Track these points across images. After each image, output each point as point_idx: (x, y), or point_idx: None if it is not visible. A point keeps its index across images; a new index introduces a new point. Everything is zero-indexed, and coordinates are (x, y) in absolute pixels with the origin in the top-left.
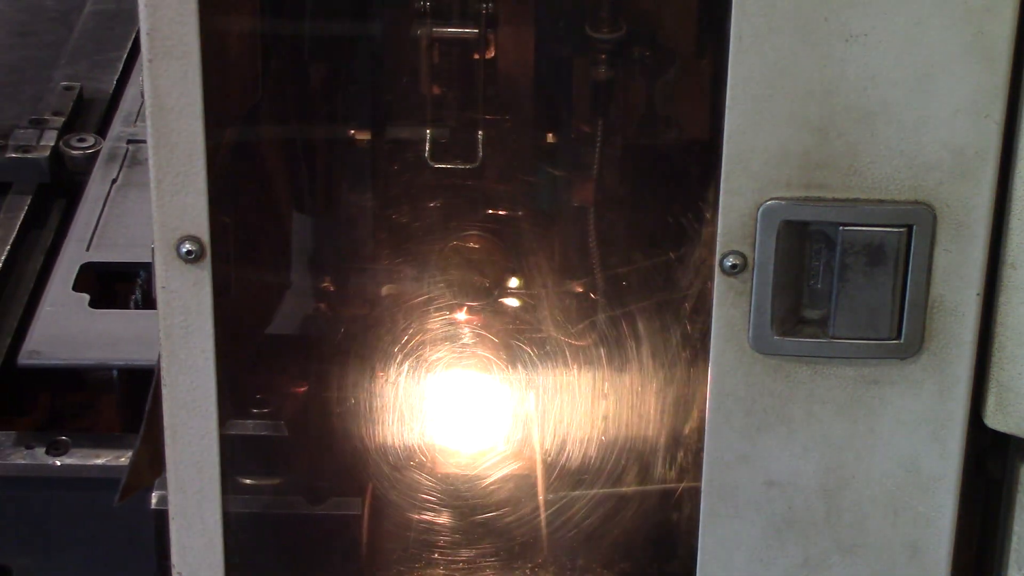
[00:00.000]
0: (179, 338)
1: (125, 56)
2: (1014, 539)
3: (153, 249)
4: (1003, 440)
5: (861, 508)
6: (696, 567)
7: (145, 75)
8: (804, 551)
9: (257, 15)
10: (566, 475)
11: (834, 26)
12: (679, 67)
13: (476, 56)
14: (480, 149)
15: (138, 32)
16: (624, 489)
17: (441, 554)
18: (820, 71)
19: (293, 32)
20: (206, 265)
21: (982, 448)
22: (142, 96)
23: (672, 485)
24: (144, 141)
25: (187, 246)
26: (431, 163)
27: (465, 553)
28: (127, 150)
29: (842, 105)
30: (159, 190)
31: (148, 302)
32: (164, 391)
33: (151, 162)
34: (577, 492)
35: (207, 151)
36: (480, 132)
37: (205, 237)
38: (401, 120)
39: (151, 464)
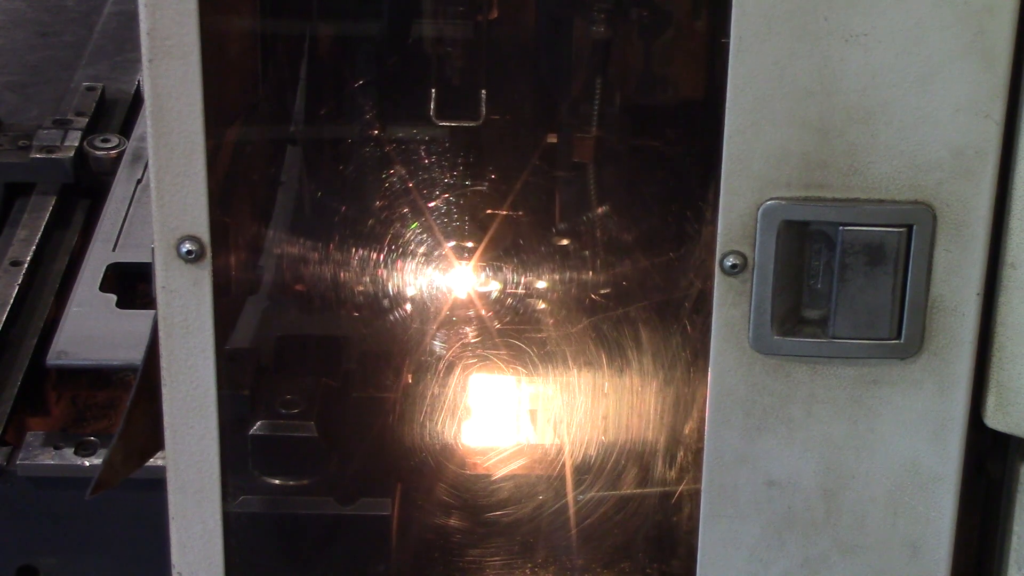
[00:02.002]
0: (179, 338)
1: None
2: (1014, 539)
3: (153, 249)
4: (1003, 440)
5: (861, 508)
6: (696, 567)
7: (145, 75)
8: (804, 551)
9: (257, 15)
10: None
11: (834, 26)
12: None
13: (479, 18)
14: (483, 108)
15: None
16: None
17: (454, 555)
18: (820, 71)
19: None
20: (206, 265)
21: (982, 448)
22: None
23: (670, 486)
24: None
25: (187, 246)
26: (435, 121)
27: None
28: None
29: (842, 105)
30: (159, 190)
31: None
32: (164, 391)
33: (151, 162)
34: (576, 493)
35: (207, 151)
36: (483, 91)
37: (205, 237)
38: (405, 116)
39: (125, 461)
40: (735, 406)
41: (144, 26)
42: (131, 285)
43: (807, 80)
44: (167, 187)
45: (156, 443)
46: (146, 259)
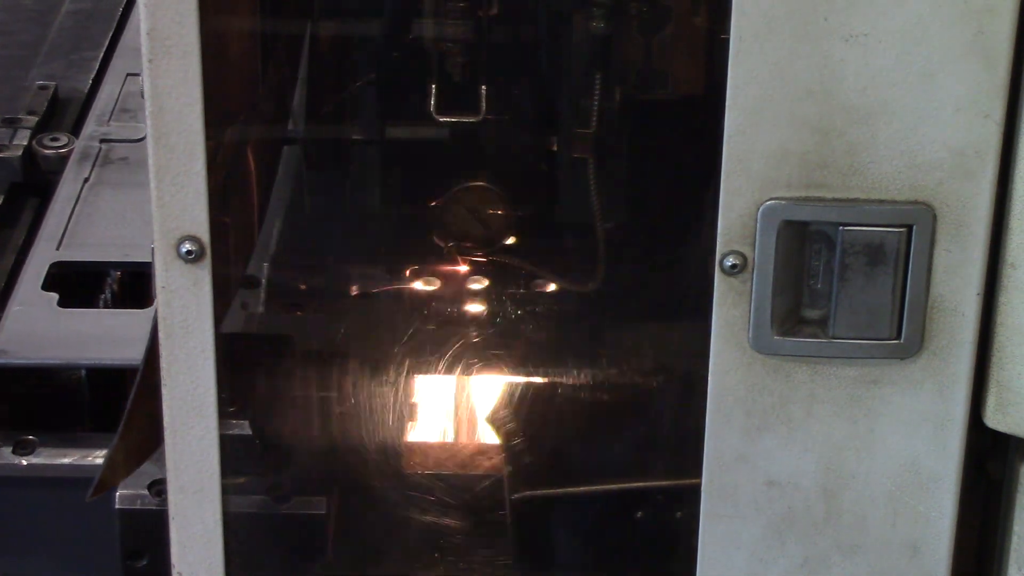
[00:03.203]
0: (179, 338)
1: (101, 55)
2: (1014, 539)
3: (153, 249)
4: (1003, 440)
5: (861, 508)
6: (696, 567)
7: (145, 75)
8: (804, 551)
9: (257, 15)
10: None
11: (834, 26)
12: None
13: (480, 13)
14: (483, 103)
15: (115, 31)
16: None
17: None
18: (820, 71)
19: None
20: (206, 265)
21: (982, 448)
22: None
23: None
24: (117, 140)
25: (187, 246)
26: (436, 116)
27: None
28: (100, 149)
29: (842, 105)
30: (159, 190)
31: (117, 301)
32: (164, 391)
33: (151, 162)
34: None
35: (207, 151)
36: (483, 87)
37: (205, 237)
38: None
39: (126, 461)
40: (735, 406)
41: (144, 26)
42: (75, 284)
43: (807, 80)
44: (167, 187)
45: (155, 441)
46: (90, 258)
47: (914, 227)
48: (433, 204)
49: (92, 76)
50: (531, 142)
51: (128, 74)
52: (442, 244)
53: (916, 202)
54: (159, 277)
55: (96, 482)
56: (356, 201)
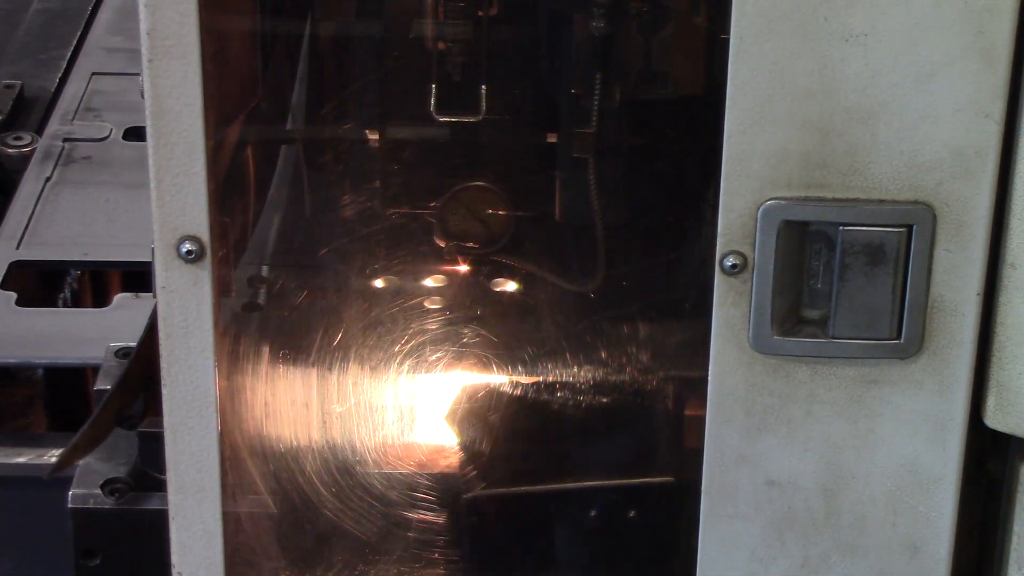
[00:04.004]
0: (179, 338)
1: (69, 54)
2: (1014, 539)
3: (153, 249)
4: (1003, 440)
5: (861, 508)
6: (696, 567)
7: (145, 75)
8: (804, 551)
9: (257, 15)
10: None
11: (834, 26)
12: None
13: (480, 13)
14: (483, 103)
15: (83, 31)
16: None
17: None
18: (820, 71)
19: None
20: (206, 265)
21: (982, 448)
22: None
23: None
24: (80, 140)
25: (187, 246)
26: (436, 116)
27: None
28: (63, 148)
29: (842, 105)
30: (159, 190)
31: (77, 301)
32: (164, 391)
33: (151, 162)
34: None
35: (207, 151)
36: (483, 87)
37: (205, 237)
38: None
39: (87, 446)
40: (735, 406)
41: (144, 26)
42: (36, 283)
43: (807, 80)
44: (167, 187)
45: (108, 432)
46: (49, 257)
47: (914, 227)
48: (433, 203)
49: (59, 75)
50: (531, 142)
51: (93, 73)
52: (442, 244)
53: (916, 202)
54: (159, 277)
55: (58, 461)
56: (355, 201)
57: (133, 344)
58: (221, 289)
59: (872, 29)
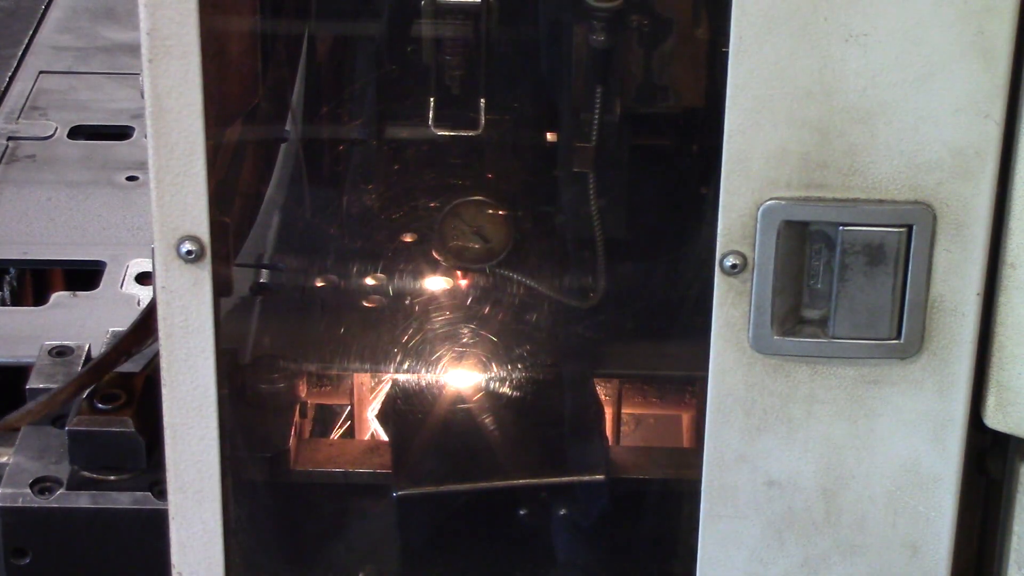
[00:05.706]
0: (179, 338)
1: (20, 53)
2: (1014, 539)
3: (153, 249)
4: (1003, 440)
5: (861, 508)
6: (696, 567)
7: (145, 75)
8: (804, 551)
9: (257, 15)
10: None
11: (834, 26)
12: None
13: (479, 26)
14: (482, 117)
15: (33, 30)
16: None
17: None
18: (820, 71)
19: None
20: (206, 265)
21: (982, 448)
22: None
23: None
24: (25, 138)
25: (187, 246)
26: (434, 130)
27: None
28: (6, 147)
29: (842, 105)
30: (159, 190)
31: (17, 299)
32: (164, 391)
33: (151, 162)
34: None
35: (207, 151)
36: (482, 100)
37: (205, 237)
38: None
39: (36, 415)
40: (735, 406)
41: (144, 26)
42: None
43: (807, 80)
44: (167, 187)
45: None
46: None
47: (914, 227)
48: (433, 204)
49: (9, 74)
50: (530, 155)
51: (40, 71)
52: (440, 258)
53: (916, 202)
54: (159, 277)
55: (4, 421)
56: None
57: (69, 343)
58: (221, 289)
59: (872, 29)
